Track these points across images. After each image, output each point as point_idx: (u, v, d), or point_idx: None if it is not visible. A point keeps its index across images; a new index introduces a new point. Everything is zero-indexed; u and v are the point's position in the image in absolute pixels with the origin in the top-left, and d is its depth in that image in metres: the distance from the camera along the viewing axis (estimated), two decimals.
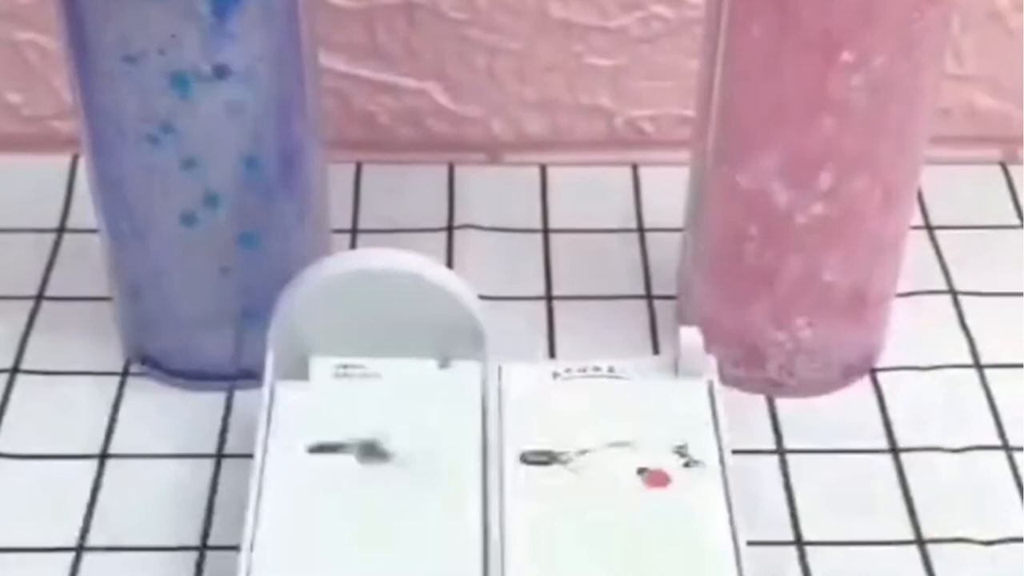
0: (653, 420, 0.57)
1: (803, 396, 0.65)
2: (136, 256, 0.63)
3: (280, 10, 0.58)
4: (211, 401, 0.64)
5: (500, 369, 0.59)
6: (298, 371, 0.59)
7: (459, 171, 0.77)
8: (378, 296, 0.59)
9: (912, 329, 0.68)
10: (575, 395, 0.59)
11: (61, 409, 0.64)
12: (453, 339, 0.59)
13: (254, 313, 0.63)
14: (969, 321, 0.69)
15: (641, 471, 0.55)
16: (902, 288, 0.66)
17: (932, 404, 0.65)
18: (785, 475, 0.61)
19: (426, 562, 0.52)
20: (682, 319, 0.66)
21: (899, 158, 0.60)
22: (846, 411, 0.64)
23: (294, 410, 0.57)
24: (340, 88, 0.75)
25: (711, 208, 0.63)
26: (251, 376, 0.63)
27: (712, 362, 0.59)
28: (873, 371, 0.66)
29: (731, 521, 0.54)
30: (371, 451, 0.56)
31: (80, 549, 0.59)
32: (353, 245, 0.73)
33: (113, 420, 0.64)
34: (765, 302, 0.62)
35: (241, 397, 0.64)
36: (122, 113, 0.58)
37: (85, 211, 0.67)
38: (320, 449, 0.56)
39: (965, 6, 0.72)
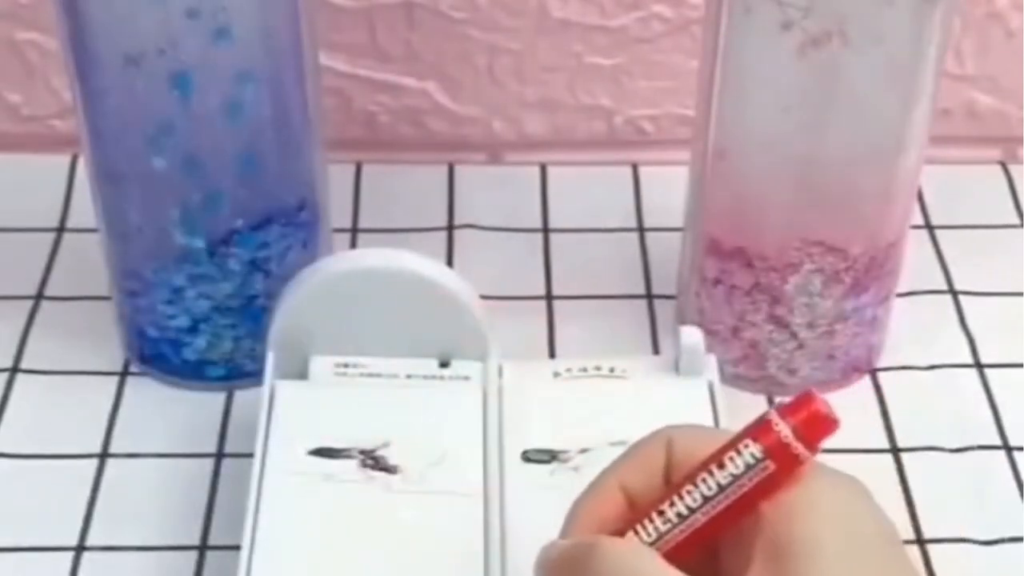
0: (653, 420, 0.57)
1: None
2: (136, 255, 0.63)
3: (280, 10, 0.58)
4: (211, 401, 0.64)
5: (501, 368, 0.59)
6: (298, 371, 0.59)
7: (459, 171, 0.77)
8: (378, 296, 0.59)
9: (912, 329, 0.68)
10: (576, 394, 0.59)
11: (61, 409, 0.64)
12: (453, 338, 0.59)
13: (254, 312, 0.63)
14: (969, 321, 0.69)
15: None
16: (902, 288, 0.66)
17: (932, 404, 0.65)
18: None
19: (427, 562, 0.52)
20: (682, 319, 0.66)
21: (899, 158, 0.60)
22: (846, 411, 0.64)
23: (294, 410, 0.57)
24: (340, 88, 0.75)
25: (711, 207, 0.63)
26: (251, 376, 0.63)
27: (712, 362, 0.59)
28: (873, 371, 0.66)
29: None
30: (371, 451, 0.56)
31: (80, 549, 0.59)
32: (353, 245, 0.73)
33: (113, 420, 0.64)
34: (765, 301, 0.62)
35: (241, 397, 0.64)
36: (122, 113, 0.58)
37: (85, 211, 0.67)
38: (320, 453, 0.56)
39: (965, 6, 0.72)
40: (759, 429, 0.43)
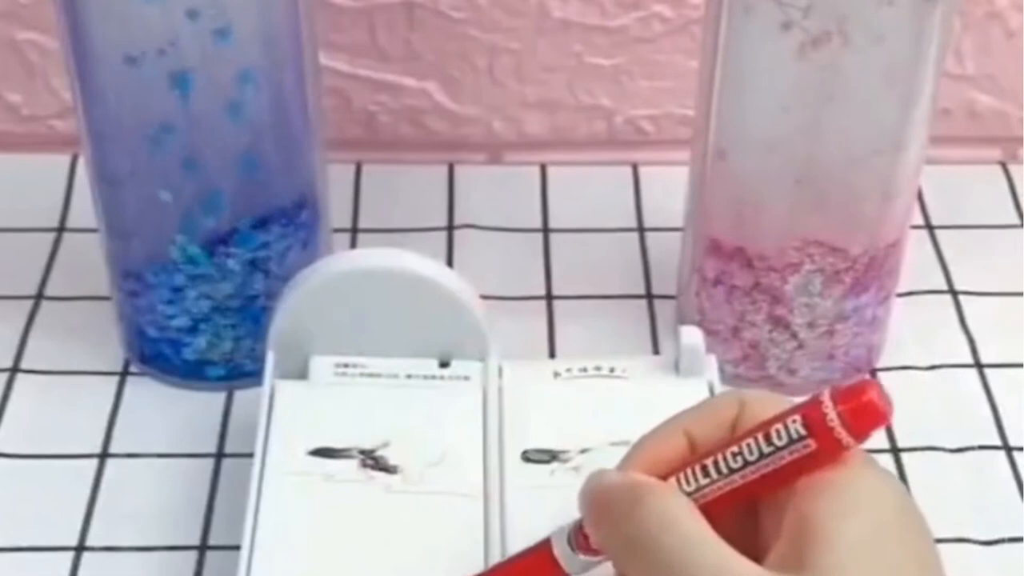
0: (653, 420, 0.57)
1: (804, 396, 0.64)
2: (136, 255, 0.63)
3: (280, 10, 0.58)
4: (211, 401, 0.64)
5: (501, 368, 0.59)
6: (298, 371, 0.59)
7: (459, 171, 0.77)
8: (378, 296, 0.59)
9: (912, 329, 0.68)
10: (576, 395, 0.59)
11: (61, 409, 0.64)
12: (453, 338, 0.59)
13: (254, 312, 0.63)
14: (969, 321, 0.69)
15: None
16: (902, 288, 0.66)
17: (932, 404, 0.65)
18: None
19: (427, 561, 0.52)
20: (682, 319, 0.66)
21: (899, 157, 0.60)
22: None
23: (294, 410, 0.57)
24: (340, 88, 0.75)
25: (711, 207, 0.63)
26: (251, 376, 0.63)
27: (712, 362, 0.59)
28: (873, 371, 0.66)
29: None
30: (371, 451, 0.56)
31: (80, 549, 0.59)
32: (353, 245, 0.73)
33: (113, 420, 0.64)
34: (765, 301, 0.62)
35: (241, 397, 0.64)
36: (122, 113, 0.58)
37: (85, 211, 0.67)
38: (320, 453, 0.56)
39: (965, 6, 0.72)
40: (810, 407, 0.44)
